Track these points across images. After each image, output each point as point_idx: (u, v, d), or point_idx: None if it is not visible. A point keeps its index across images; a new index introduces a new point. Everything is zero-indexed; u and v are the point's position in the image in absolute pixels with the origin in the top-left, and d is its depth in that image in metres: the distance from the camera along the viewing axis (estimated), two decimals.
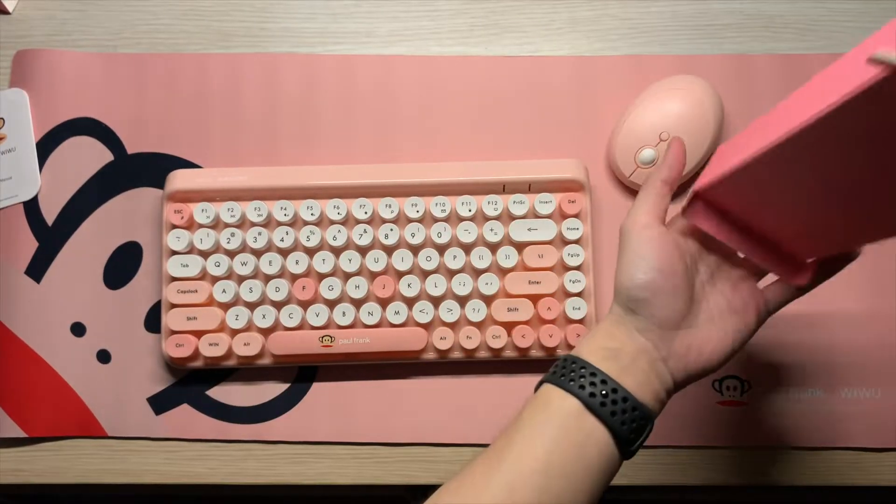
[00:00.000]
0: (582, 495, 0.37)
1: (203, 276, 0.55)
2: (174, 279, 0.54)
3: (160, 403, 0.55)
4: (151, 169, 0.58)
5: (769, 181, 0.35)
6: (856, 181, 0.32)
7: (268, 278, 0.55)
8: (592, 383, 0.38)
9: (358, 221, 0.55)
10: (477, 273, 0.55)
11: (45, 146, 0.58)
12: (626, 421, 0.38)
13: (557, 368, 0.40)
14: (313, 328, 0.54)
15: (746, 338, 0.42)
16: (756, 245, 0.40)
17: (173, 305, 0.54)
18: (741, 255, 0.41)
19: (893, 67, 0.25)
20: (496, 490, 0.36)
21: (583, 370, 0.38)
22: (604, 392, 0.37)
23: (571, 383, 0.38)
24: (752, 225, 0.40)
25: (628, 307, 0.40)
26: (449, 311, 0.54)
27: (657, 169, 0.43)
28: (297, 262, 0.54)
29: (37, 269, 0.57)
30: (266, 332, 0.55)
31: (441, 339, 0.54)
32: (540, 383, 0.40)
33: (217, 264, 0.54)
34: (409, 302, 0.54)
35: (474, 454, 0.54)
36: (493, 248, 0.55)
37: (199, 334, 0.54)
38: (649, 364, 0.39)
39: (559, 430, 0.37)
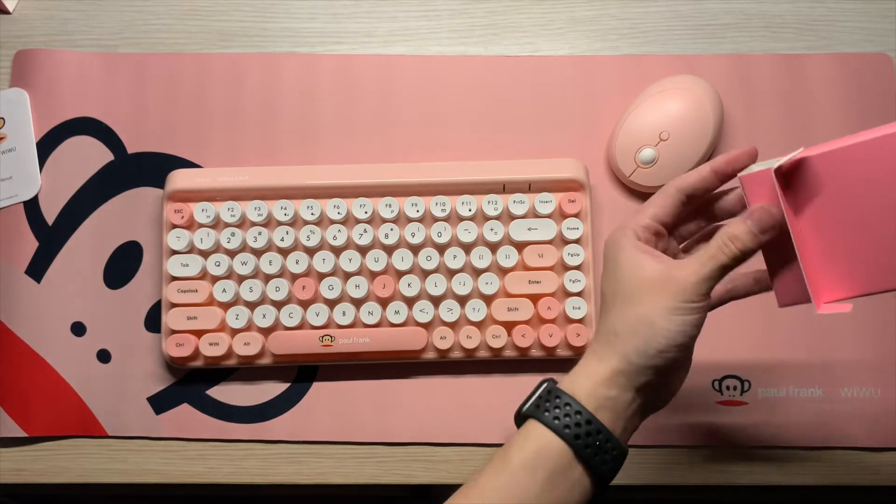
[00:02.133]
0: None
1: (203, 275, 0.55)
2: (174, 279, 0.54)
3: (160, 403, 0.55)
4: (151, 169, 0.58)
5: (870, 178, 0.36)
6: None
7: (268, 278, 0.55)
8: (588, 433, 0.37)
9: (358, 221, 0.55)
10: (477, 273, 0.55)
11: (45, 146, 0.58)
12: (612, 468, 0.38)
13: (549, 407, 0.38)
14: (313, 328, 0.54)
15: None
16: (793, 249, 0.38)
17: (173, 305, 0.54)
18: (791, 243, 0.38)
19: None
20: None
21: (578, 415, 0.37)
22: (597, 443, 0.37)
23: (567, 430, 0.37)
24: (809, 227, 0.39)
25: (644, 368, 0.38)
26: (449, 311, 0.54)
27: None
28: (297, 262, 0.54)
29: (37, 269, 0.57)
30: (266, 332, 0.55)
31: (441, 338, 0.54)
32: (525, 415, 0.39)
33: (217, 264, 0.54)
34: (409, 302, 0.54)
35: (474, 454, 0.55)
36: (493, 247, 0.55)
37: (199, 334, 0.54)
38: (639, 409, 0.39)
39: (550, 477, 0.36)
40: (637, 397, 0.38)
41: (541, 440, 0.37)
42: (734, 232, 0.37)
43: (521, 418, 0.39)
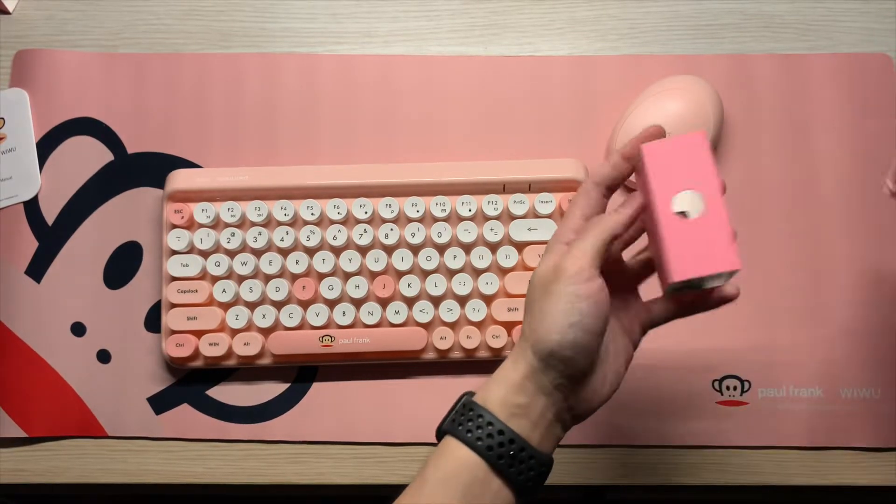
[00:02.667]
0: None
1: (203, 275, 0.55)
2: (174, 279, 0.54)
3: (160, 403, 0.55)
4: (151, 169, 0.58)
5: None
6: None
7: (268, 278, 0.55)
8: (501, 444, 0.36)
9: (358, 221, 0.55)
10: (477, 273, 0.55)
11: (45, 146, 0.58)
12: (532, 478, 0.37)
13: (463, 421, 0.37)
14: (313, 328, 0.54)
15: (631, 359, 0.41)
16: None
17: (173, 305, 0.54)
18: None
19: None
20: None
21: (490, 427, 0.37)
22: (511, 453, 0.37)
23: (479, 443, 0.36)
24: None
25: (548, 363, 0.37)
26: (449, 311, 0.54)
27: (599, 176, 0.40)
28: (297, 262, 0.54)
29: (37, 269, 0.57)
30: (266, 332, 0.55)
31: (441, 338, 0.54)
32: (444, 432, 0.39)
33: (217, 264, 0.54)
34: (409, 302, 0.54)
35: None
36: (493, 247, 0.55)
37: (199, 334, 0.54)
38: (556, 416, 0.38)
39: (466, 492, 0.36)
40: (551, 402, 0.38)
41: (456, 456, 0.37)
42: (608, 219, 0.38)
43: (440, 434, 0.39)
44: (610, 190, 0.40)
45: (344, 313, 0.54)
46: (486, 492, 0.36)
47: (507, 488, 0.37)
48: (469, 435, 0.37)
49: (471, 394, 0.39)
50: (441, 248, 0.55)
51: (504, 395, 0.38)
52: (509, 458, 0.36)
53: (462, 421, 0.37)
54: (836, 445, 0.55)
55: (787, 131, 0.59)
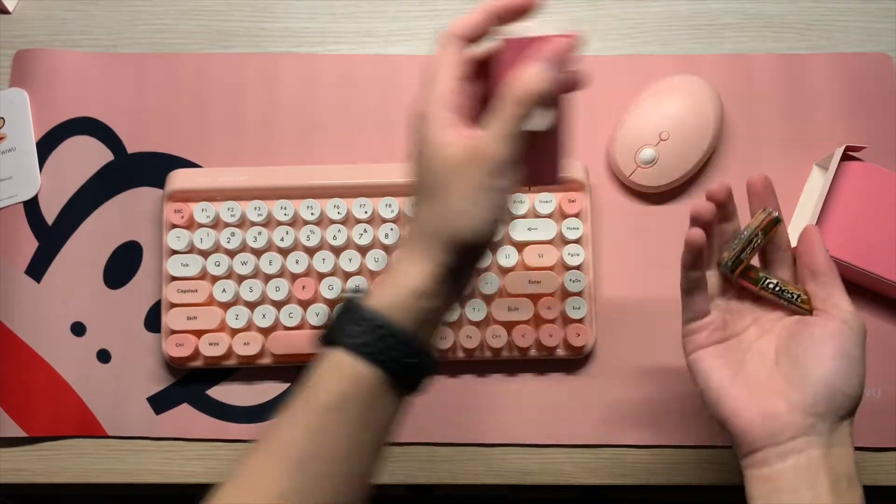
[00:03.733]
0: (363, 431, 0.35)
1: (203, 275, 0.55)
2: (174, 279, 0.54)
3: (160, 403, 0.55)
4: (151, 169, 0.58)
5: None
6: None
7: (268, 278, 0.55)
8: (407, 355, 0.34)
9: (358, 221, 0.55)
10: (476, 272, 0.55)
11: (45, 146, 0.58)
12: (415, 372, 0.36)
13: (351, 326, 0.34)
14: (313, 328, 0.54)
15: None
16: None
17: (173, 305, 0.54)
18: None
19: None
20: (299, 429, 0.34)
21: (391, 339, 0.34)
22: (401, 352, 0.34)
23: (365, 349, 0.33)
24: None
25: (466, 259, 0.35)
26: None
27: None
28: (297, 262, 0.54)
29: (37, 269, 0.57)
30: (266, 332, 0.55)
31: (441, 338, 0.54)
32: (328, 339, 0.35)
33: (217, 264, 0.54)
34: None
35: (474, 454, 0.55)
36: (493, 247, 0.55)
37: (199, 334, 0.54)
38: (444, 310, 0.36)
39: (366, 410, 0.34)
40: (448, 301, 0.36)
41: (345, 367, 0.34)
42: (524, 78, 0.34)
43: (325, 341, 0.35)
44: (472, 41, 0.37)
45: None
46: (383, 407, 0.34)
47: (394, 391, 0.35)
48: (352, 339, 0.33)
49: (356, 297, 0.35)
50: None
51: (404, 297, 0.34)
52: (398, 353, 0.34)
53: (351, 327, 0.34)
54: None
55: (787, 131, 0.59)
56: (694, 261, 0.40)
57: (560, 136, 0.38)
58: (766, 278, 0.41)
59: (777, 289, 0.41)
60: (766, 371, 0.40)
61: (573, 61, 0.36)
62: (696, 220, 0.40)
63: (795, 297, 0.41)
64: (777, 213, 0.41)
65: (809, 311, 0.41)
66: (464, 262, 0.35)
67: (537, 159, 0.38)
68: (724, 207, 0.41)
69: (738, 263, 0.41)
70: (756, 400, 0.39)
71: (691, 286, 0.41)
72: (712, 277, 0.42)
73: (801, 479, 0.36)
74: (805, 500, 0.36)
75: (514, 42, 0.36)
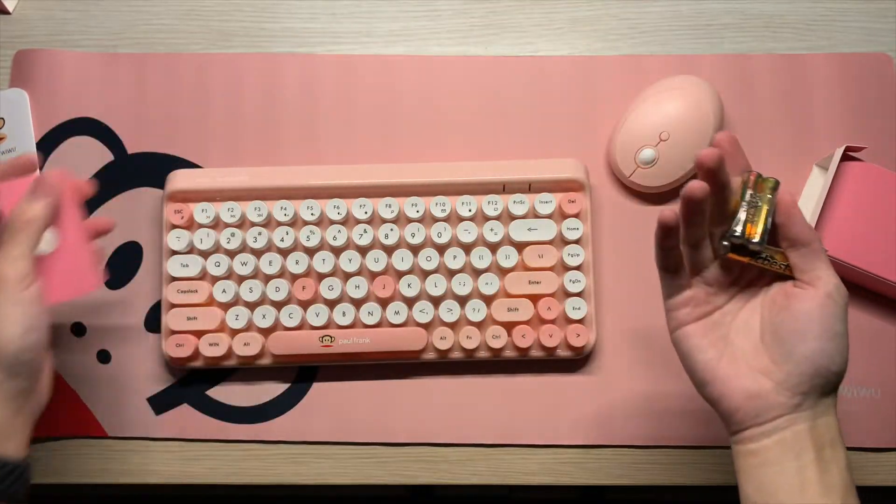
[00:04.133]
0: None
1: (203, 276, 0.55)
2: (174, 279, 0.54)
3: (160, 403, 0.55)
4: (151, 169, 0.58)
5: None
6: None
7: (268, 278, 0.55)
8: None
9: (358, 221, 0.55)
10: (477, 273, 0.55)
11: (45, 146, 0.58)
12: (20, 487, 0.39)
13: None
14: (313, 328, 0.54)
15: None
16: None
17: (173, 305, 0.54)
18: None
19: None
20: None
21: None
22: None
23: None
24: None
25: (13, 370, 0.39)
26: (449, 311, 0.54)
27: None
28: (297, 262, 0.54)
29: None
30: (266, 332, 0.55)
31: (441, 339, 0.54)
32: None
33: (217, 264, 0.54)
34: (409, 302, 0.54)
35: (474, 454, 0.55)
36: (493, 248, 0.55)
37: (199, 334, 0.54)
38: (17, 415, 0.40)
39: None
40: (14, 408, 0.40)
41: None
42: (20, 209, 0.40)
43: None
44: None
45: (344, 313, 0.54)
46: None
47: None
48: None
49: None
50: (441, 249, 0.55)
51: None
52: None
53: None
54: None
55: (787, 131, 0.59)
56: (667, 237, 0.40)
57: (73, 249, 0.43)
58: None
59: (766, 257, 0.40)
60: (751, 347, 0.40)
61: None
62: (688, 200, 0.38)
63: (784, 266, 0.40)
64: (769, 177, 0.40)
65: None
66: (13, 370, 0.39)
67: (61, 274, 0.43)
68: (716, 175, 0.39)
69: (766, 234, 0.39)
70: (742, 380, 0.39)
71: (668, 263, 0.41)
72: (706, 251, 0.41)
73: (787, 452, 0.37)
74: (790, 471, 0.37)
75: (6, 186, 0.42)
